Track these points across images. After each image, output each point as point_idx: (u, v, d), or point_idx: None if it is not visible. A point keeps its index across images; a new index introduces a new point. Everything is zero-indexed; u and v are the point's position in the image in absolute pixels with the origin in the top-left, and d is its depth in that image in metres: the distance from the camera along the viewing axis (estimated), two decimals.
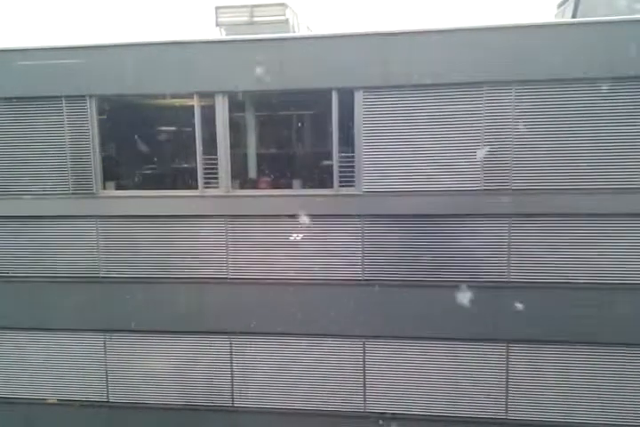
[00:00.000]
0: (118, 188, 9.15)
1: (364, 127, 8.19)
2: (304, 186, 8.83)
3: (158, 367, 9.18)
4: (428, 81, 7.92)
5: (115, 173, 9.33)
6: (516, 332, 8.27)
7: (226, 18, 9.96)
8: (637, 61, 7.48)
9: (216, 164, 8.65)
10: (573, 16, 9.73)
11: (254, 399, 9.03)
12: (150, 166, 10.07)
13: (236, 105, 8.93)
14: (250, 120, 9.63)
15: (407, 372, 8.63)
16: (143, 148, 9.62)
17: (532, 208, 8.00)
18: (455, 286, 8.25)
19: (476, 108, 7.91)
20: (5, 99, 8.80)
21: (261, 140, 10.00)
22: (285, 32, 9.54)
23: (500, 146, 7.94)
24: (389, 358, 8.66)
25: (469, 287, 8.20)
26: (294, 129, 10.39)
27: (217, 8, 9.94)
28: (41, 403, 9.47)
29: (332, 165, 8.45)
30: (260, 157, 9.62)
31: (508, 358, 8.39)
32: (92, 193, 8.89)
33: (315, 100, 9.02)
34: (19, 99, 8.76)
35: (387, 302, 8.47)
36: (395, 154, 8.17)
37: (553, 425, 8.37)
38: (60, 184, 8.90)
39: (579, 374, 8.27)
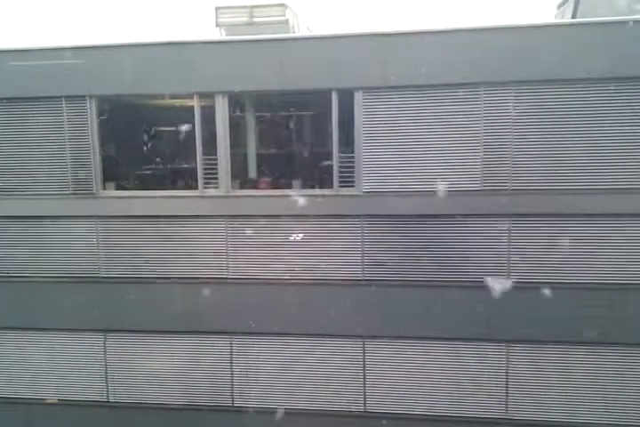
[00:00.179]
0: (118, 188, 9.17)
1: (363, 128, 8.20)
2: (304, 186, 8.84)
3: (158, 367, 9.18)
4: (428, 81, 7.93)
5: (115, 174, 9.34)
6: (515, 332, 8.28)
7: (226, 18, 9.98)
8: (637, 62, 7.49)
9: (216, 164, 8.65)
10: (573, 16, 9.74)
11: (254, 399, 9.04)
12: (150, 167, 10.09)
13: (235, 105, 8.94)
14: (250, 120, 9.64)
15: (407, 372, 8.64)
16: (143, 148, 9.64)
17: (532, 208, 8.01)
18: (455, 286, 8.27)
19: (475, 108, 7.92)
20: (5, 99, 8.81)
21: (261, 141, 10.02)
22: (285, 33, 9.56)
23: (499, 146, 7.95)
24: (389, 357, 8.66)
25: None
26: (294, 129, 10.41)
27: (217, 8, 9.96)
28: (41, 403, 9.48)
29: (331, 166, 8.46)
30: (259, 157, 9.64)
31: (508, 357, 8.40)
32: (92, 193, 8.90)
33: (314, 101, 9.03)
34: (19, 99, 8.76)
35: (386, 302, 8.48)
36: (394, 154, 8.18)
37: (553, 425, 8.38)
38: (60, 184, 8.90)
39: (578, 374, 8.27)
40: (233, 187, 8.77)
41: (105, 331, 9.22)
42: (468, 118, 7.95)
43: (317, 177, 9.06)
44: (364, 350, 8.71)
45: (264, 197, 8.74)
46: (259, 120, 9.86)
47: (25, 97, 8.73)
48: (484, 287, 8.22)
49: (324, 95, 8.30)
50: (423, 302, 8.37)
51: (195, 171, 8.75)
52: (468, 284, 8.27)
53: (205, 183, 8.75)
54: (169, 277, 8.91)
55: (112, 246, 8.97)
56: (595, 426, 8.28)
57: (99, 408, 9.36)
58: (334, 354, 8.78)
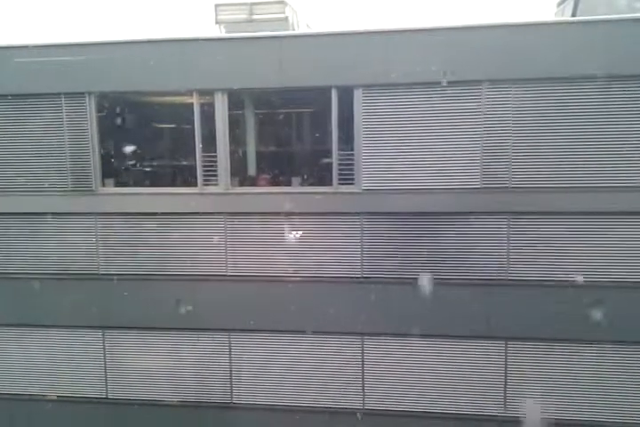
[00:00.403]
0: (117, 185, 9.14)
1: (363, 125, 8.20)
2: (303, 184, 8.84)
3: (157, 364, 9.19)
4: (428, 79, 7.92)
5: (114, 171, 9.33)
6: (514, 329, 8.29)
7: (225, 15, 9.97)
8: (637, 60, 7.49)
9: (215, 161, 8.65)
10: (573, 15, 9.74)
11: (253, 396, 9.05)
12: (149, 164, 10.07)
13: (235, 103, 8.93)
14: (249, 118, 9.63)
15: (405, 369, 8.65)
16: (142, 145, 9.62)
17: (531, 206, 8.02)
18: (454, 284, 8.28)
19: (475, 106, 7.92)
20: (4, 96, 8.79)
21: (261, 138, 10.01)
22: (285, 30, 9.54)
23: (498, 144, 7.95)
24: (388, 355, 8.68)
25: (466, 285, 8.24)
26: (294, 127, 10.39)
27: (216, 6, 9.94)
28: (40, 399, 9.48)
29: (331, 163, 8.46)
30: (259, 154, 9.63)
31: (506, 355, 8.41)
32: (91, 190, 8.89)
33: (314, 98, 9.02)
34: (18, 96, 8.75)
35: (385, 300, 8.48)
36: (394, 152, 8.18)
37: (553, 423, 8.38)
38: (59, 181, 8.89)
39: (578, 372, 8.29)
40: (232, 184, 8.77)
41: (103, 328, 9.22)
42: (467, 116, 7.95)
43: (317, 174, 9.06)
44: (363, 347, 8.72)
45: (263, 195, 8.73)
46: (258, 117, 9.85)
47: (24, 94, 8.71)
48: (482, 285, 8.23)
49: (323, 93, 8.30)
50: (422, 300, 8.37)
51: (194, 168, 8.75)
52: (466, 281, 8.28)
53: (205, 180, 8.75)
54: (168, 275, 8.91)
55: (111, 243, 8.97)
56: (594, 424, 8.31)
57: (97, 405, 9.37)
58: (333, 352, 8.79)
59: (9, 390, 9.57)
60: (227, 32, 9.94)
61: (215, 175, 8.71)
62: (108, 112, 9.15)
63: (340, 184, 8.45)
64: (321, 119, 9.10)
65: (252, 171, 9.45)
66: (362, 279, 8.52)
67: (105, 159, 9.01)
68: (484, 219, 8.17)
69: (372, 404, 8.79)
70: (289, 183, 8.85)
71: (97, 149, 8.82)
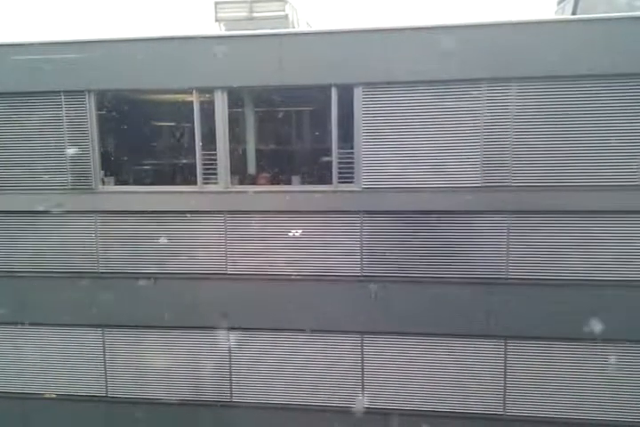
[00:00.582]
0: (117, 183, 9.14)
1: (363, 123, 8.19)
2: (303, 182, 8.83)
3: (157, 363, 9.19)
4: (428, 77, 7.91)
5: (114, 169, 9.32)
6: (513, 328, 8.30)
7: (225, 13, 9.96)
8: (637, 58, 7.48)
9: (215, 159, 8.64)
10: (573, 13, 9.73)
11: (253, 395, 9.06)
12: (149, 162, 10.07)
13: (235, 101, 8.92)
14: (249, 116, 9.63)
15: (405, 368, 8.65)
16: (142, 143, 9.62)
17: (532, 205, 8.02)
18: (453, 282, 8.28)
19: (475, 104, 7.91)
20: (4, 94, 8.78)
21: (261, 136, 10.01)
22: (285, 28, 9.53)
23: (499, 143, 7.95)
24: (387, 354, 8.68)
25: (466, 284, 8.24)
26: (293, 125, 10.39)
27: (216, 3, 9.94)
28: (39, 398, 9.49)
29: (331, 162, 8.45)
30: (259, 152, 9.63)
31: (505, 354, 8.42)
32: (91, 188, 8.89)
33: (314, 96, 9.01)
34: (17, 94, 8.73)
35: (385, 298, 8.48)
36: (394, 150, 8.17)
37: (550, 421, 8.41)
38: (59, 179, 8.88)
39: (578, 371, 8.30)
40: (232, 182, 8.76)
41: (103, 326, 9.22)
42: (468, 114, 7.94)
43: (317, 173, 9.05)
44: (363, 346, 8.73)
45: (263, 193, 8.73)
46: (258, 116, 9.84)
47: (24, 91, 8.70)
48: (482, 284, 8.23)
49: (323, 91, 8.28)
50: (421, 299, 8.38)
51: (194, 166, 8.74)
52: (466, 280, 8.28)
53: (204, 179, 8.74)
54: (168, 273, 8.91)
55: (111, 242, 8.97)
56: (594, 423, 8.31)
57: (97, 403, 9.38)
58: (333, 350, 8.79)
59: (8, 388, 9.56)
60: (227, 30, 9.93)
61: (215, 173, 8.70)
62: (107, 110, 9.14)
63: (339, 182, 8.44)
64: (321, 117, 9.09)
65: (251, 169, 9.45)
66: (361, 277, 8.52)
67: (105, 157, 9.00)
68: (484, 217, 8.16)
69: (371, 402, 8.80)
70: (289, 182, 8.85)
71: (97, 147, 8.81)
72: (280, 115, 10.25)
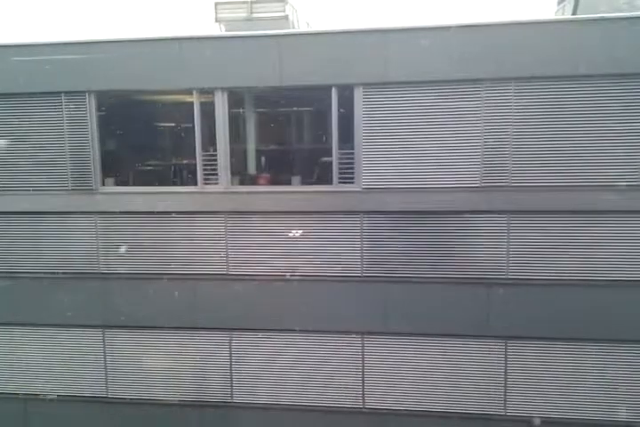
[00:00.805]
0: (117, 184, 9.14)
1: (363, 124, 8.19)
2: (303, 182, 8.83)
3: (157, 363, 9.19)
4: (428, 78, 7.92)
5: (114, 169, 9.32)
6: (514, 329, 8.29)
7: (225, 14, 9.97)
8: (637, 58, 7.48)
9: (215, 160, 8.64)
10: (574, 13, 9.73)
11: (253, 395, 9.06)
12: (150, 162, 10.08)
13: (235, 101, 8.92)
14: (249, 116, 9.63)
15: (405, 368, 8.65)
16: (142, 144, 9.62)
17: (532, 205, 8.02)
18: (453, 282, 8.28)
19: (475, 104, 7.91)
20: (5, 94, 8.78)
21: (261, 137, 10.01)
22: (285, 28, 9.53)
23: (498, 143, 7.95)
24: (388, 354, 8.68)
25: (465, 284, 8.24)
26: (294, 125, 10.40)
27: (216, 4, 9.94)
28: (40, 399, 9.49)
29: (331, 162, 8.45)
30: (259, 153, 9.63)
31: (506, 354, 8.42)
32: (92, 189, 8.89)
33: (314, 97, 9.01)
34: (18, 94, 8.73)
35: (385, 299, 8.49)
36: (394, 151, 8.17)
37: (551, 422, 8.40)
38: (60, 180, 8.89)
39: (578, 371, 8.29)
40: (232, 183, 8.76)
41: (104, 327, 9.22)
42: (468, 115, 7.94)
43: (317, 173, 9.06)
44: (363, 346, 8.73)
45: (263, 194, 8.73)
46: (258, 116, 9.85)
47: (24, 92, 8.70)
48: (482, 284, 8.23)
49: (323, 91, 8.29)
50: (422, 299, 8.38)
51: (194, 167, 8.75)
52: (466, 280, 8.28)
53: (205, 179, 8.74)
54: (168, 273, 8.91)
55: (111, 242, 8.97)
56: (594, 423, 8.31)
57: (97, 404, 9.38)
58: (333, 350, 8.79)
59: (9, 389, 9.57)
60: (227, 30, 9.93)
61: (215, 174, 8.70)
62: (108, 111, 9.15)
63: (340, 183, 8.44)
64: (321, 118, 9.10)
65: (252, 170, 9.45)
66: (362, 278, 8.52)
67: (105, 158, 9.01)
68: (483, 217, 8.16)
69: (371, 403, 8.80)
70: (289, 182, 8.84)
71: (97, 148, 8.82)
72: (280, 115, 10.26)
